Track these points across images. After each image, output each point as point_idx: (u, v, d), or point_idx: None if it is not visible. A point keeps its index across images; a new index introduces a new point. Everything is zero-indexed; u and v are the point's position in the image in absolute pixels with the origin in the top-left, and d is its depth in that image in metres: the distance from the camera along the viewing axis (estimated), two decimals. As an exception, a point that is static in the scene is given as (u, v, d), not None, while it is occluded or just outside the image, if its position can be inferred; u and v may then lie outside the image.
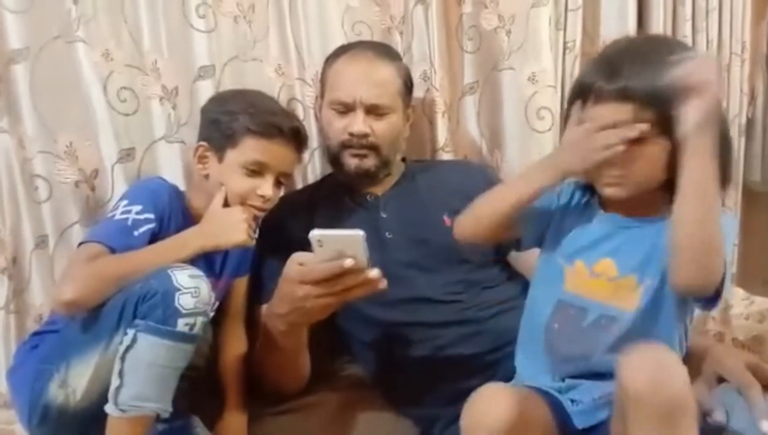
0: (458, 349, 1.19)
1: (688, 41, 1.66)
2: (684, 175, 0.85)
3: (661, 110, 0.87)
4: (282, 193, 1.27)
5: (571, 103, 0.98)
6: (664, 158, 0.91)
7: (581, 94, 0.95)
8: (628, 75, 0.90)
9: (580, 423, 0.97)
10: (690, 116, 0.82)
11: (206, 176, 1.23)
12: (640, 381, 0.79)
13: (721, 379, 1.02)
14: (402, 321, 1.24)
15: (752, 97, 1.91)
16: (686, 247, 0.86)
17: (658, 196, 0.94)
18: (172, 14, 1.37)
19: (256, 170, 1.19)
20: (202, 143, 1.23)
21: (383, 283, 1.01)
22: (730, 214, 0.92)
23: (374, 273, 1.00)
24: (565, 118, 1.00)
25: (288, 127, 1.21)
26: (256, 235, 1.22)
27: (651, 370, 0.79)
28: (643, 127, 0.89)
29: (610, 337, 0.96)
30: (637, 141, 0.89)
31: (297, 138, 1.24)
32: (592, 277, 0.98)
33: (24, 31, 1.29)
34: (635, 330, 0.95)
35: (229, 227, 1.13)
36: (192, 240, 1.11)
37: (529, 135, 1.55)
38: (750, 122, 1.92)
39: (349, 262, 0.97)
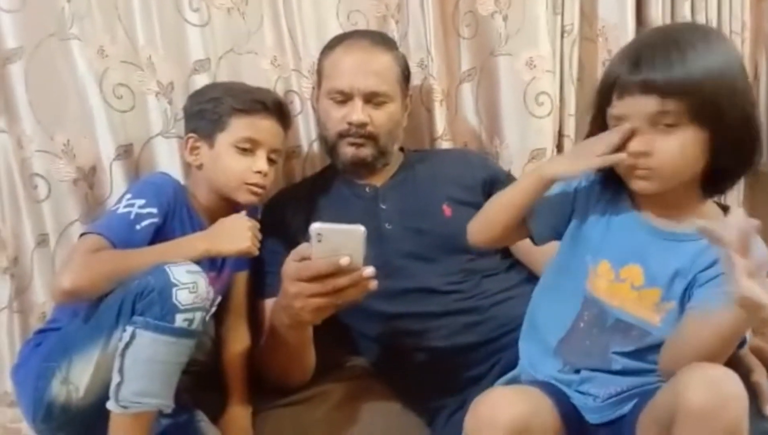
0: (460, 339, 1.19)
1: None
2: (713, 323, 0.82)
3: (688, 98, 0.83)
4: (275, 171, 1.28)
5: (599, 99, 0.93)
6: (697, 148, 0.85)
7: (607, 88, 0.91)
8: (650, 65, 0.85)
9: (594, 419, 0.95)
10: (738, 289, 0.75)
11: (200, 166, 1.24)
12: (700, 400, 0.76)
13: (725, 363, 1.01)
14: (403, 312, 1.23)
15: (755, 77, 1.89)
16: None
17: (692, 195, 0.91)
18: (166, 9, 1.36)
19: (247, 148, 1.22)
20: (191, 135, 1.25)
21: (374, 284, 0.99)
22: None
23: (369, 271, 0.98)
24: (593, 118, 0.95)
25: (271, 100, 1.25)
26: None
27: (714, 390, 0.77)
28: (625, 129, 0.87)
29: (631, 342, 0.93)
30: (666, 129, 0.85)
31: (281, 110, 1.27)
32: (616, 281, 0.93)
33: (18, 30, 1.29)
34: (658, 342, 0.91)
35: (235, 235, 1.13)
36: (198, 244, 1.11)
37: (528, 121, 1.53)
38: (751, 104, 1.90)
39: (345, 260, 0.96)
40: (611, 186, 0.96)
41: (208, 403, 1.22)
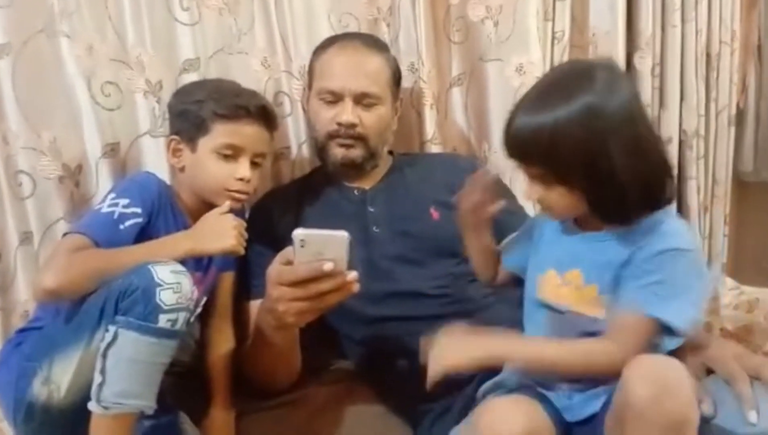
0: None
1: (677, 31, 1.66)
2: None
3: (544, 165, 0.92)
4: (259, 174, 1.26)
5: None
6: (573, 197, 0.93)
7: None
8: (506, 134, 0.96)
9: (570, 417, 0.97)
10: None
11: (182, 169, 1.23)
12: (643, 395, 0.79)
13: (708, 371, 1.01)
14: (389, 315, 1.23)
15: (744, 87, 1.91)
16: None
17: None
18: (156, 7, 1.35)
19: (229, 154, 1.19)
20: (174, 136, 1.23)
21: (356, 287, 0.99)
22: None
23: (352, 275, 0.98)
24: None
25: (254, 105, 1.21)
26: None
27: (656, 384, 0.79)
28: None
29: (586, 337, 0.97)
30: (542, 185, 0.94)
31: (265, 116, 1.23)
32: (563, 284, 0.99)
33: (6, 25, 1.27)
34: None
35: (220, 233, 1.12)
36: (182, 243, 1.10)
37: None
38: (742, 112, 1.92)
39: (328, 266, 0.95)
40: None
41: (191, 405, 1.21)
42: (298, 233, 0.96)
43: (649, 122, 0.98)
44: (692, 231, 0.92)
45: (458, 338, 0.96)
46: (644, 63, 1.64)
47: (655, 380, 0.80)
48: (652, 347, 0.91)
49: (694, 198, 1.75)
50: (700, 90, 1.73)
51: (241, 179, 1.19)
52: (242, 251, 1.14)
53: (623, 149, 0.89)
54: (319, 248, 0.96)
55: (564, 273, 0.99)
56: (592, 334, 0.95)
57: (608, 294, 0.95)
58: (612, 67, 0.95)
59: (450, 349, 0.95)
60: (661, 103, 1.71)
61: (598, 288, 0.96)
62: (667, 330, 0.90)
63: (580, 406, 0.97)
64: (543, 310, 1.02)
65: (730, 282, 1.44)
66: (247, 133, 1.20)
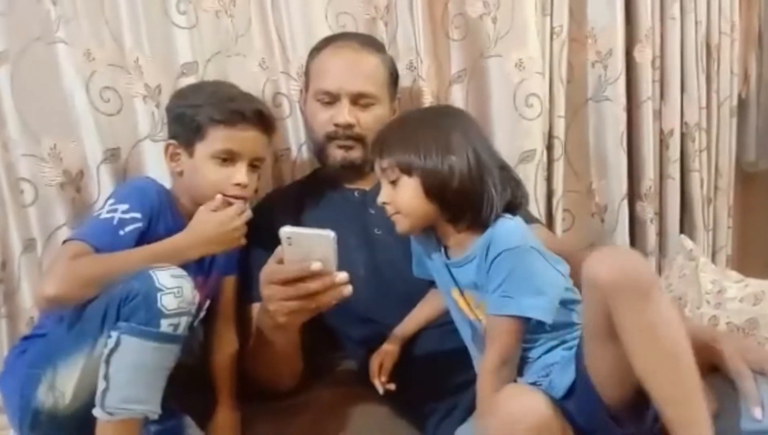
0: (448, 344, 1.18)
1: (677, 23, 1.65)
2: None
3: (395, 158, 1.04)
4: (258, 177, 1.26)
5: None
6: (415, 190, 1.03)
7: None
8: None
9: (555, 394, 0.98)
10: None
11: (180, 173, 1.22)
12: (606, 269, 0.84)
13: (713, 367, 1.01)
14: (391, 317, 1.23)
15: (745, 77, 1.90)
16: None
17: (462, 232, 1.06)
18: (153, 12, 1.36)
19: (227, 159, 1.19)
20: (171, 141, 1.23)
21: (348, 289, 0.98)
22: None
23: (341, 277, 0.97)
24: None
25: (250, 110, 1.20)
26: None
27: (611, 257, 0.87)
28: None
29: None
30: (392, 183, 1.05)
31: (262, 120, 1.22)
32: (466, 304, 1.08)
33: (4, 33, 1.28)
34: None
35: (224, 233, 1.13)
36: (187, 250, 1.11)
37: (517, 122, 1.54)
38: (743, 102, 1.91)
39: (316, 266, 0.95)
40: (424, 235, 1.13)
41: (197, 408, 1.21)
42: (285, 231, 0.96)
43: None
44: (523, 226, 1.04)
45: None
46: (644, 56, 1.63)
47: (609, 254, 0.88)
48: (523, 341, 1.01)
49: (697, 190, 1.74)
50: (700, 82, 1.71)
51: (238, 184, 1.18)
52: (244, 242, 1.17)
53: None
54: (307, 247, 0.96)
55: (464, 293, 1.08)
56: None
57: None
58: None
59: None
60: (662, 96, 1.70)
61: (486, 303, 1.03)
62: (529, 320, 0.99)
63: (558, 380, 0.99)
64: (466, 322, 1.10)
65: (735, 275, 1.43)
66: (244, 138, 1.19)
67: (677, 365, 0.83)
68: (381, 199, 1.08)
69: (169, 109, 1.27)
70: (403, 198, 1.05)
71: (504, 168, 1.08)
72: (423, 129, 1.06)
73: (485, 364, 1.01)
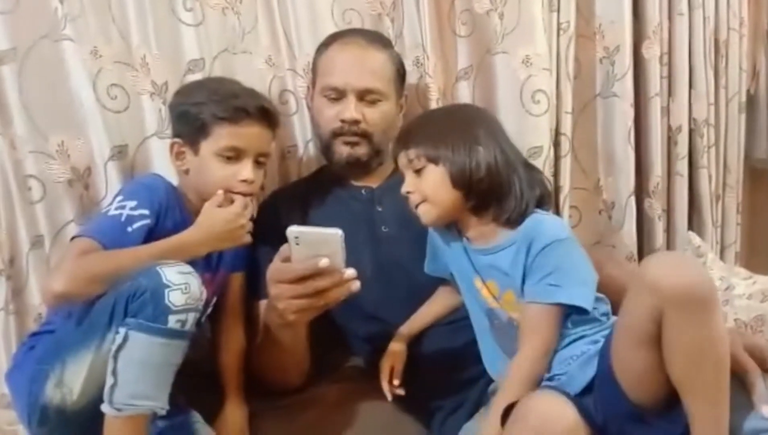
0: (456, 342, 1.19)
1: (685, 18, 1.64)
2: None
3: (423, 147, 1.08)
4: (264, 173, 1.26)
5: None
6: (442, 179, 1.07)
7: None
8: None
9: (572, 390, 0.98)
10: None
11: (186, 171, 1.22)
12: (671, 276, 0.82)
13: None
14: (398, 315, 1.23)
15: (754, 73, 1.89)
16: None
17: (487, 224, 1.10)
18: (160, 8, 1.35)
19: (232, 156, 1.18)
20: (176, 140, 1.23)
21: (356, 285, 0.98)
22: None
23: (350, 273, 0.97)
24: None
25: (254, 106, 1.20)
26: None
27: (677, 264, 0.85)
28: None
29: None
30: (417, 172, 1.09)
31: (266, 116, 1.22)
32: (489, 293, 1.10)
33: (11, 31, 1.28)
34: None
35: (230, 230, 1.13)
36: (194, 247, 1.11)
37: (524, 118, 1.53)
38: (753, 98, 1.90)
39: (324, 262, 0.95)
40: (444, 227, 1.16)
41: (204, 404, 1.21)
42: (292, 230, 0.96)
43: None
44: (563, 220, 1.15)
45: None
46: (652, 52, 1.63)
47: (674, 262, 0.86)
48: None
49: (705, 187, 1.74)
50: (709, 78, 1.71)
51: (244, 181, 1.18)
52: (250, 239, 1.17)
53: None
54: (314, 245, 0.96)
55: (486, 283, 1.10)
56: None
57: (521, 296, 1.05)
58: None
59: None
60: (670, 92, 1.69)
61: (514, 293, 1.06)
62: (573, 309, 1.02)
63: (578, 375, 0.99)
64: (485, 312, 1.11)
65: (743, 272, 1.42)
66: (249, 134, 1.19)
67: (717, 381, 0.84)
68: (405, 188, 1.10)
69: (172, 107, 1.27)
70: (428, 185, 1.08)
71: (528, 165, 1.13)
72: (450, 123, 1.11)
73: (527, 352, 1.02)
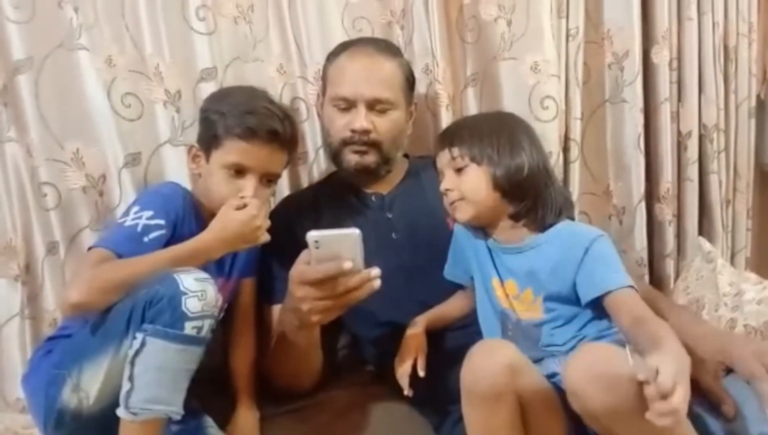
0: (467, 347, 1.19)
1: (694, 24, 1.64)
2: None
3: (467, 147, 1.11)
4: (272, 191, 1.27)
5: None
6: (483, 179, 1.09)
7: None
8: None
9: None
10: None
11: (199, 175, 1.24)
12: (586, 387, 0.85)
13: (728, 369, 1.01)
14: (407, 320, 1.23)
15: (764, 78, 1.88)
16: None
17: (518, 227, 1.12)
18: (173, 18, 1.37)
19: (237, 172, 1.18)
20: (194, 144, 1.24)
21: (378, 283, 1.00)
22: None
23: (375, 272, 0.99)
24: None
25: (265, 129, 1.18)
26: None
27: (594, 376, 0.85)
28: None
29: (539, 337, 1.09)
30: (458, 171, 1.11)
31: (276, 139, 1.20)
32: (504, 293, 1.13)
33: (27, 41, 1.30)
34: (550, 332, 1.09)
35: (247, 231, 1.13)
36: (210, 249, 1.11)
37: (533, 125, 1.49)
38: (762, 103, 1.89)
39: (348, 265, 0.96)
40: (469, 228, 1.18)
41: (217, 408, 1.23)
42: (312, 235, 0.98)
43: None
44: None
45: None
46: (661, 57, 1.63)
47: (592, 371, 0.86)
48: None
49: (716, 192, 1.73)
50: (718, 83, 1.71)
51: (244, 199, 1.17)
52: (267, 238, 1.17)
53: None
54: (334, 247, 0.98)
55: (503, 284, 1.12)
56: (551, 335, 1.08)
57: (541, 294, 1.08)
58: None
59: None
60: (680, 97, 1.69)
61: (533, 291, 1.09)
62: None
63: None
64: (501, 315, 1.13)
65: (753, 277, 1.42)
66: (257, 154, 1.18)
67: None
68: (444, 185, 1.12)
69: (201, 110, 1.26)
70: (468, 184, 1.10)
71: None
72: (496, 126, 1.14)
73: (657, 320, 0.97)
